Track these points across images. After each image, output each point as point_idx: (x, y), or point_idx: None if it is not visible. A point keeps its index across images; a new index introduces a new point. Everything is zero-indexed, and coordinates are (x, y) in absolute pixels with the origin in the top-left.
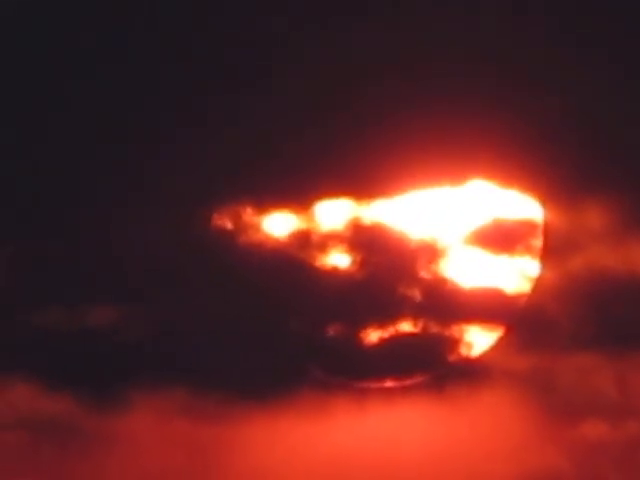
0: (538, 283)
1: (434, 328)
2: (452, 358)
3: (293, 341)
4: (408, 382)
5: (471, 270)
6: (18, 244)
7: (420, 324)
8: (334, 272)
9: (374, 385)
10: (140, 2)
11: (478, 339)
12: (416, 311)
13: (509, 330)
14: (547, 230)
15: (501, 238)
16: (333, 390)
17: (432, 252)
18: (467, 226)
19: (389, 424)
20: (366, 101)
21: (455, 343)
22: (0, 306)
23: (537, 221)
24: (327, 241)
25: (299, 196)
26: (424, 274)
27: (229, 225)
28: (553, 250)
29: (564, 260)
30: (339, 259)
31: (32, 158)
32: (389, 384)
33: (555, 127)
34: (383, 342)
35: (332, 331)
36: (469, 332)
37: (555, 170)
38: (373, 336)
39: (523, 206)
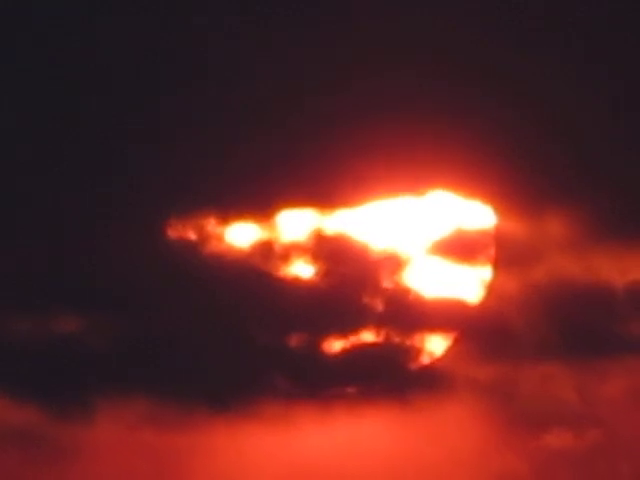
0: (498, 292)
1: (396, 337)
2: (414, 367)
3: (256, 350)
4: (371, 391)
5: (433, 280)
6: None
7: (383, 333)
8: (297, 282)
9: (337, 394)
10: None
11: (440, 348)
12: (378, 321)
13: (471, 339)
14: (506, 240)
15: (463, 248)
16: (296, 399)
17: (394, 262)
18: (429, 236)
19: (352, 433)
20: (329, 112)
21: (417, 352)
22: None
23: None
24: (290, 251)
25: (262, 206)
26: (386, 284)
27: (192, 235)
28: (514, 259)
29: (525, 269)
30: (302, 269)
31: None
32: (352, 393)
33: (516, 138)
34: (346, 351)
35: (295, 341)
36: (431, 341)
37: (514, 181)
38: (336, 345)
39: (484, 216)
